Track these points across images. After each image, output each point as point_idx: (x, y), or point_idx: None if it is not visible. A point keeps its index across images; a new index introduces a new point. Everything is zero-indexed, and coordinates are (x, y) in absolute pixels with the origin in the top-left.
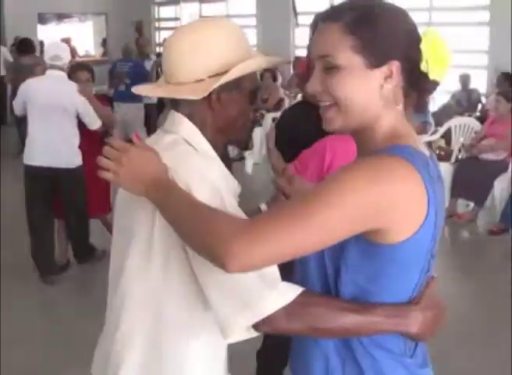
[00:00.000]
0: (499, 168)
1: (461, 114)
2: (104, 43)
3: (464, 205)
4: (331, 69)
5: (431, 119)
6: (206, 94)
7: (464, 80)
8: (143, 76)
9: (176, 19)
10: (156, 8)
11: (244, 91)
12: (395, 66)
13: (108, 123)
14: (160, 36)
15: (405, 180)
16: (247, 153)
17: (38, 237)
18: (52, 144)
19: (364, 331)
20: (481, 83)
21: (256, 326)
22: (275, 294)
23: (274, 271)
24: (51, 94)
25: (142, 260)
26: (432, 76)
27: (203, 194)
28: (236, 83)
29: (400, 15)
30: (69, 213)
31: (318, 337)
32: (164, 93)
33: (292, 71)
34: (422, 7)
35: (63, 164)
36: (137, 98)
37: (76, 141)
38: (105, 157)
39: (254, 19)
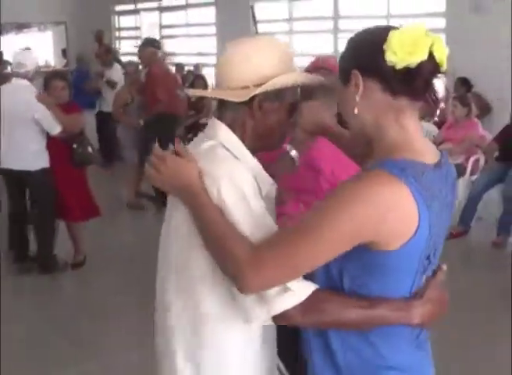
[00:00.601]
0: (457, 172)
1: (420, 119)
2: (64, 53)
3: None
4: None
5: None
6: (247, 98)
7: None
8: (83, 85)
9: (136, 28)
10: (116, 17)
11: (284, 103)
12: (354, 74)
13: (70, 129)
14: (120, 45)
15: (392, 196)
16: None
17: (11, 232)
18: (14, 148)
19: (371, 324)
20: (439, 88)
21: (274, 319)
22: (291, 292)
23: None
24: (12, 101)
25: (186, 252)
26: (400, 63)
27: (230, 197)
28: (278, 94)
29: (356, 35)
30: (33, 215)
31: (328, 329)
32: (212, 93)
33: None
34: (380, 15)
35: (25, 167)
36: (88, 106)
37: (37, 145)
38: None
39: (214, 28)
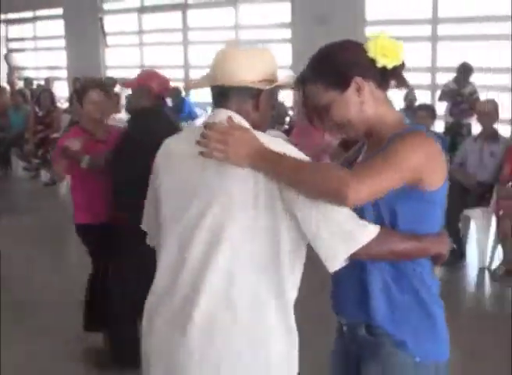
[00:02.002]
0: None
1: (271, 127)
2: None
3: None
4: (324, 109)
5: None
6: (271, 86)
7: None
8: None
9: None
10: None
11: (273, 98)
12: (357, 80)
13: None
14: None
15: (431, 147)
16: None
17: None
18: None
19: (419, 254)
20: (287, 96)
21: (354, 254)
22: (367, 228)
23: (357, 215)
24: None
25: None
26: (390, 64)
27: (291, 150)
28: (274, 91)
29: (336, 48)
30: None
31: (392, 259)
32: (241, 83)
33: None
34: (228, 26)
35: None
36: None
37: None
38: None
39: (63, 41)
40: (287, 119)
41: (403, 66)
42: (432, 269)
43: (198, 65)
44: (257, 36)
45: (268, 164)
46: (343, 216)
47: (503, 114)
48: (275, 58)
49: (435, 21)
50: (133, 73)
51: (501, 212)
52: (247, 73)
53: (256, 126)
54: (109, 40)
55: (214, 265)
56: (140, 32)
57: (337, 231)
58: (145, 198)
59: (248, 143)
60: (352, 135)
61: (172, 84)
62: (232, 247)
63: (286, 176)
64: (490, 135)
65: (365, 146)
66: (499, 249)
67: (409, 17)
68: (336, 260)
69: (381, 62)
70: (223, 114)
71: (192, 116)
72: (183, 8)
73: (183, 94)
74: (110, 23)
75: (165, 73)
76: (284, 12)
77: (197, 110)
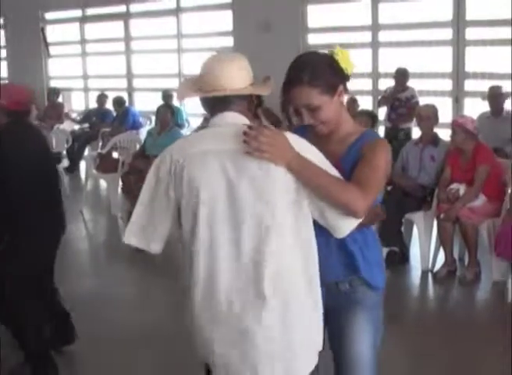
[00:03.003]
0: None
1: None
2: None
3: None
4: (314, 109)
5: None
6: (270, 92)
7: None
8: None
9: None
10: None
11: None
12: (340, 88)
13: None
14: None
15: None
16: None
17: None
18: None
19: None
20: None
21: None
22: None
23: None
24: None
25: (292, 219)
26: (350, 72)
27: (317, 156)
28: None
29: (328, 59)
30: None
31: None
32: (249, 90)
33: (46, 102)
34: (171, 34)
35: None
36: None
37: None
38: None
39: (4, 51)
40: None
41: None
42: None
43: (141, 73)
44: (200, 44)
45: (301, 168)
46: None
47: (443, 118)
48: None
49: (375, 27)
50: (76, 83)
51: (442, 216)
52: (242, 80)
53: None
54: (52, 50)
55: (268, 249)
56: (83, 41)
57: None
58: None
59: (288, 148)
60: (326, 131)
61: (116, 94)
62: (278, 234)
63: (314, 182)
64: (430, 139)
65: (309, 135)
66: (441, 252)
67: (350, 24)
68: (343, 226)
69: (348, 70)
70: (231, 115)
71: (136, 126)
72: (125, 17)
73: (127, 103)
74: (52, 32)
75: (109, 82)
76: (226, 20)
77: (141, 119)
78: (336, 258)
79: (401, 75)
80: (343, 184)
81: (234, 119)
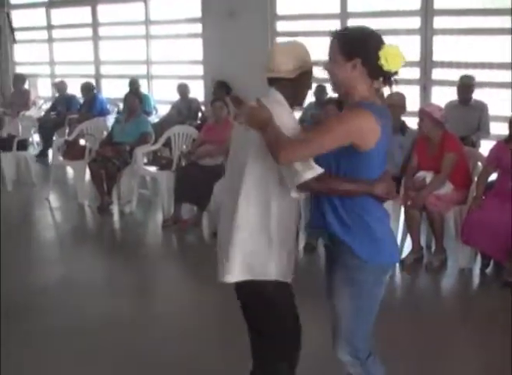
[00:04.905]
0: (218, 172)
1: (182, 123)
2: None
3: (186, 211)
4: (329, 62)
5: (151, 130)
6: (294, 75)
7: (182, 89)
8: None
9: None
10: None
11: (308, 80)
12: (357, 62)
13: None
14: None
15: (365, 118)
16: None
17: None
18: None
19: (357, 191)
20: (199, 92)
21: (301, 186)
22: (312, 170)
23: (311, 160)
24: None
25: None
26: (389, 68)
27: (288, 119)
28: (306, 75)
29: (365, 34)
30: None
31: (336, 194)
32: (273, 74)
33: (12, 89)
34: (138, 20)
35: None
36: None
37: None
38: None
39: None
40: (199, 114)
41: (396, 72)
42: (376, 202)
43: (109, 60)
44: (168, 31)
45: (264, 132)
46: (300, 161)
47: (410, 107)
48: (306, 49)
49: (344, 15)
50: (43, 69)
51: (409, 203)
52: (286, 65)
53: (292, 101)
54: (17, 35)
55: (243, 185)
56: (49, 27)
57: (290, 170)
58: None
59: (265, 116)
60: (337, 92)
61: (84, 80)
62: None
63: (265, 137)
64: (398, 127)
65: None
66: (409, 239)
67: (319, 12)
68: (291, 189)
69: (381, 62)
70: (272, 91)
71: (104, 112)
72: (93, 2)
73: (95, 90)
74: (18, 17)
75: (76, 69)
76: (194, 7)
77: (109, 106)
78: (316, 209)
79: None
80: (280, 138)
81: (269, 94)
